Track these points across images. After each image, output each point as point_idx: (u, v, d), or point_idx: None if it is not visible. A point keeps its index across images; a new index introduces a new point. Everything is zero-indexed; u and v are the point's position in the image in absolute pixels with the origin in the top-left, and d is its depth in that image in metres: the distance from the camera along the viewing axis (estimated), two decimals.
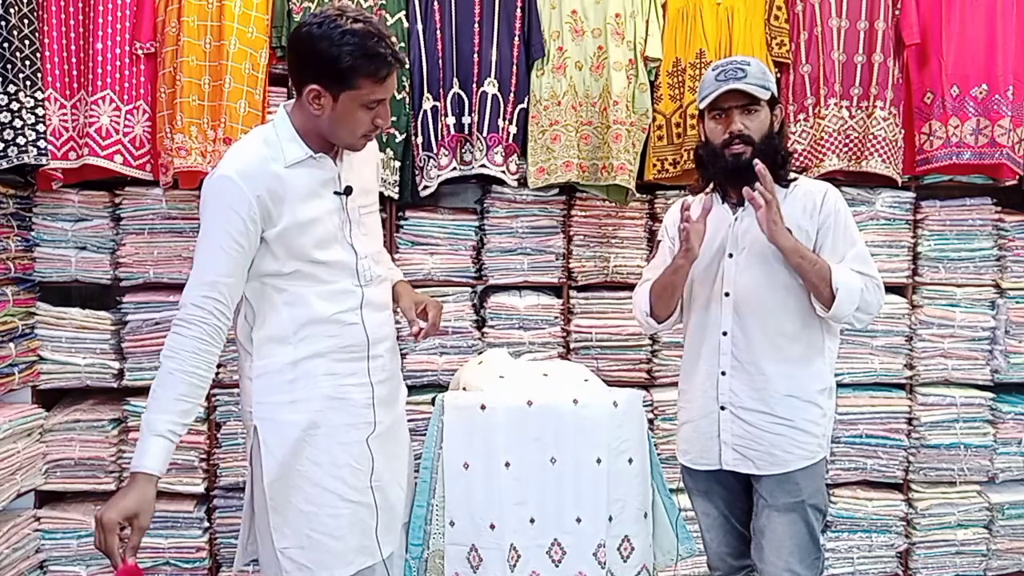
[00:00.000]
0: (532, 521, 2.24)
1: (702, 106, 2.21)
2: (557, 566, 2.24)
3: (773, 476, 2.16)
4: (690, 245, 2.09)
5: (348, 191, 1.94)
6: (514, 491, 2.22)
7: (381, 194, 2.41)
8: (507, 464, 2.22)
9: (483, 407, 2.23)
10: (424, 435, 2.33)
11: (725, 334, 2.18)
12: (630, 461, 2.31)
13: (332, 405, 1.95)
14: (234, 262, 1.84)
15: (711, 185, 2.28)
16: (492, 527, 2.22)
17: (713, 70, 2.18)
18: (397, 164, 3.10)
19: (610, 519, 2.28)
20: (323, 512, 1.94)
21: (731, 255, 2.19)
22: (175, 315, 1.86)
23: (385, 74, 1.81)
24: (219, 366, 3.06)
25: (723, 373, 2.19)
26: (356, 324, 1.96)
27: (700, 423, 2.24)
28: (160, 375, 1.81)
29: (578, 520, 2.25)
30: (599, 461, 2.25)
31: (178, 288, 3.06)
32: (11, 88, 2.72)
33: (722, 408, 2.19)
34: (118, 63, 2.95)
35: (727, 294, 2.19)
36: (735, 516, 2.31)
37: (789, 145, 3.19)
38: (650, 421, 3.05)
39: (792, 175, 2.23)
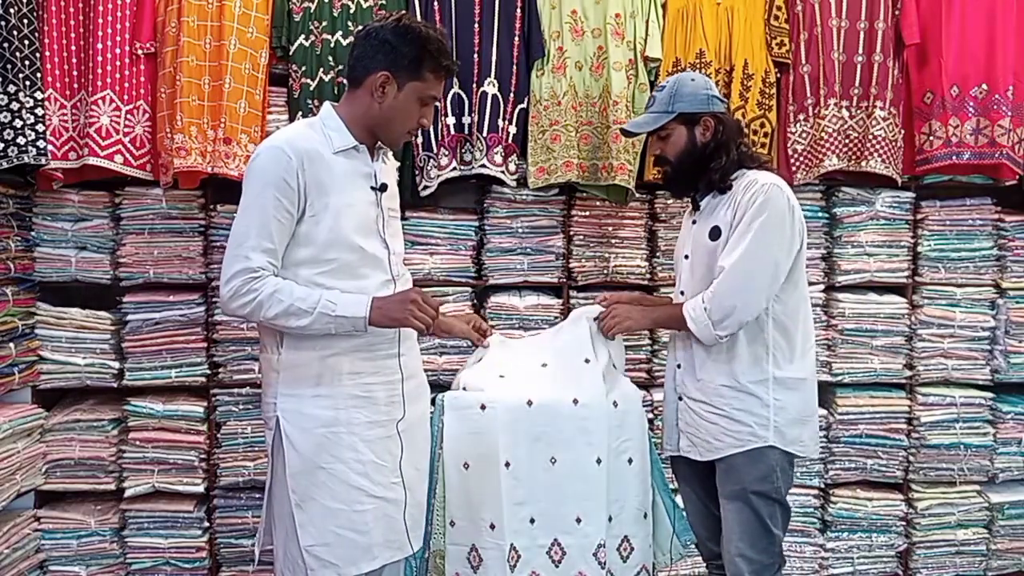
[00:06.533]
0: (532, 521, 2.24)
1: None
2: (557, 566, 2.24)
3: (720, 465, 2.27)
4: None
5: (384, 188, 2.04)
6: (514, 491, 2.22)
7: None
8: (507, 464, 2.22)
9: (483, 407, 2.23)
10: None
11: (679, 330, 2.34)
12: (630, 461, 2.32)
13: (355, 403, 1.98)
14: (284, 230, 1.91)
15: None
16: (492, 527, 2.22)
17: None
18: (397, 164, 3.09)
19: (610, 519, 2.28)
20: (350, 508, 1.96)
21: (686, 256, 2.37)
22: (232, 284, 1.88)
23: (446, 73, 2.00)
24: (219, 366, 3.10)
25: (679, 366, 2.36)
26: None
27: (667, 413, 2.43)
28: (271, 301, 1.87)
29: (578, 520, 2.25)
30: (599, 461, 2.25)
31: (178, 288, 3.11)
32: (11, 88, 2.72)
33: (679, 398, 2.36)
34: (118, 63, 2.95)
35: (682, 292, 2.37)
36: (713, 502, 2.37)
37: (788, 145, 3.20)
38: (650, 421, 3.04)
39: (741, 172, 2.27)
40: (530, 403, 2.25)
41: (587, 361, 2.37)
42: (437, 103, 2.06)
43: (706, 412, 2.27)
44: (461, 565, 2.23)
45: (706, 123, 2.28)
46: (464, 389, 2.35)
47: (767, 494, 2.23)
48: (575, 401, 2.26)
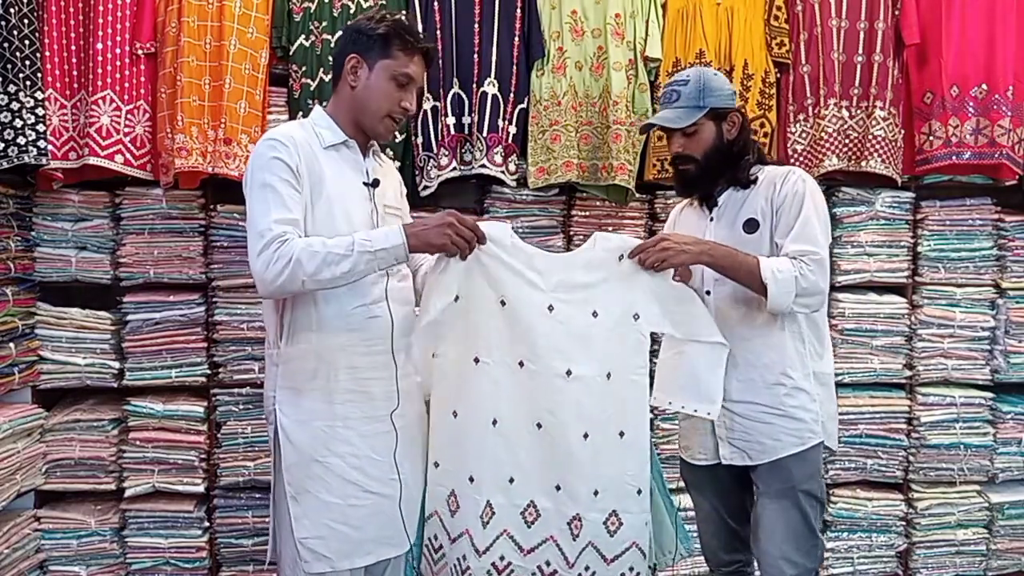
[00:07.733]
0: (511, 481, 2.17)
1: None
2: (529, 527, 2.18)
3: (766, 464, 2.19)
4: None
5: (375, 183, 2.05)
6: (497, 449, 2.15)
7: None
8: (494, 422, 2.16)
9: (476, 360, 2.17)
10: None
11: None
12: (621, 434, 2.20)
13: (352, 398, 1.98)
14: (298, 200, 1.90)
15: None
16: (471, 480, 2.17)
17: (662, 89, 2.26)
18: (397, 165, 3.09)
19: (595, 493, 2.19)
20: (345, 503, 1.97)
21: None
22: (262, 256, 1.84)
23: (415, 50, 2.00)
24: (219, 366, 3.10)
25: None
26: (380, 316, 2.00)
27: (696, 420, 2.28)
28: (305, 255, 1.82)
29: (557, 488, 2.18)
30: (586, 436, 2.16)
31: (178, 288, 3.11)
32: (11, 88, 2.72)
33: None
34: (118, 63, 2.95)
35: (708, 292, 2.25)
36: (727, 511, 2.35)
37: (788, 145, 3.21)
38: (649, 421, 3.01)
39: (759, 167, 2.26)
40: (521, 364, 2.17)
41: (595, 315, 2.19)
42: (417, 87, 2.06)
43: (758, 413, 2.18)
44: (440, 505, 2.19)
45: (733, 119, 2.23)
46: (457, 299, 2.14)
47: (813, 493, 2.18)
48: (568, 372, 2.17)
